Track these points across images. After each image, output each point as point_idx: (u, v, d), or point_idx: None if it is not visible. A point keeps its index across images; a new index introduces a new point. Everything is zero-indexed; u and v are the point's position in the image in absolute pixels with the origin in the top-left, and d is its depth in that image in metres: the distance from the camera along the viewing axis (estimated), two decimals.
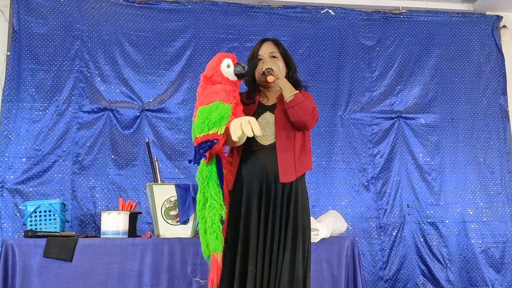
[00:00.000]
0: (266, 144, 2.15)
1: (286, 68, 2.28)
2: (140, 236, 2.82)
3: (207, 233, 1.97)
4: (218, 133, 1.95)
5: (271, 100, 2.26)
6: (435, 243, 3.58)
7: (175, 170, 3.44)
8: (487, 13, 4.01)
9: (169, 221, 2.74)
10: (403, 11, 3.92)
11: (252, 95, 2.25)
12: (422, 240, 3.59)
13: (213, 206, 1.97)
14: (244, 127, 1.86)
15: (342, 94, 3.74)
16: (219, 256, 1.98)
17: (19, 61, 3.35)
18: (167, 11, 3.66)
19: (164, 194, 2.75)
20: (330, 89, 3.73)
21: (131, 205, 2.93)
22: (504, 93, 3.90)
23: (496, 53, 3.94)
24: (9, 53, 3.36)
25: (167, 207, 2.74)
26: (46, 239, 2.50)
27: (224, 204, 1.99)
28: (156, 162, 2.99)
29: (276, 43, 2.31)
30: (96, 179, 3.33)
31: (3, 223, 3.14)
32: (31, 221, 2.77)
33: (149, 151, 3.07)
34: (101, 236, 2.67)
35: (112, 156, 3.39)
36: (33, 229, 2.69)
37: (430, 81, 3.84)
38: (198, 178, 2.07)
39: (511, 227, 3.67)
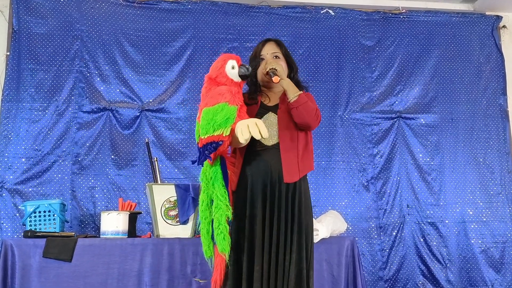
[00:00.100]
0: (270, 144, 2.15)
1: (288, 68, 2.28)
2: (139, 236, 2.81)
3: (214, 234, 1.96)
4: (224, 135, 1.95)
5: (273, 100, 2.26)
6: (435, 243, 3.58)
7: (174, 170, 3.44)
8: (487, 13, 4.01)
9: (169, 221, 2.73)
10: (403, 11, 3.92)
11: (254, 96, 2.25)
12: (422, 240, 3.59)
13: (219, 207, 1.97)
14: (251, 129, 1.86)
15: (342, 94, 3.74)
16: (226, 256, 1.98)
17: (19, 61, 3.35)
18: (167, 11, 3.66)
19: (163, 194, 2.74)
20: (330, 89, 3.73)
21: (131, 205, 2.93)
22: (504, 93, 3.90)
23: (496, 53, 3.95)
24: (8, 53, 3.36)
25: (166, 207, 2.74)
26: (45, 239, 2.50)
27: (230, 205, 1.99)
28: (155, 162, 2.99)
29: (279, 43, 2.31)
30: (96, 179, 3.32)
31: (2, 223, 3.13)
32: (30, 221, 2.77)
33: (149, 151, 3.06)
34: (101, 236, 2.67)
35: (112, 156, 3.38)
36: (33, 229, 2.69)
37: (430, 81, 3.84)
38: (202, 179, 2.07)
39: (510, 227, 3.68)
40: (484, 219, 3.67)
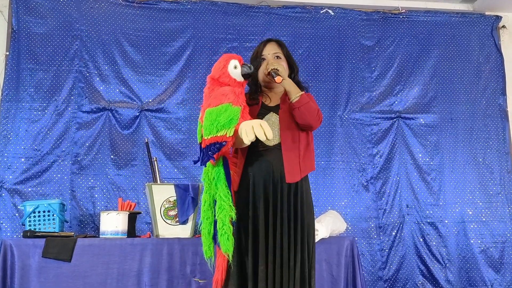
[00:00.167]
0: (271, 145, 2.15)
1: (289, 69, 2.28)
2: (139, 236, 2.81)
3: (218, 234, 1.96)
4: (227, 135, 1.95)
5: (273, 100, 2.26)
6: (434, 243, 3.58)
7: (174, 170, 3.44)
8: (487, 13, 4.02)
9: (168, 221, 2.73)
10: (402, 11, 3.93)
11: (255, 96, 2.25)
12: (421, 240, 3.59)
13: (223, 208, 1.96)
14: (256, 131, 1.85)
15: (342, 94, 3.74)
16: (230, 257, 1.98)
17: (18, 61, 3.34)
18: (167, 11, 3.65)
19: (163, 194, 2.74)
20: (329, 89, 3.73)
21: (130, 205, 2.93)
22: (503, 93, 3.90)
23: (495, 53, 3.95)
24: (8, 53, 3.36)
25: (166, 207, 2.74)
26: (45, 239, 2.49)
27: (233, 205, 1.99)
28: (155, 162, 2.99)
29: (280, 44, 2.31)
30: (95, 179, 3.32)
31: (2, 223, 3.13)
32: (30, 221, 2.77)
33: (148, 151, 3.06)
34: (100, 236, 2.67)
35: (111, 156, 3.38)
36: (32, 229, 2.69)
37: (429, 81, 3.84)
38: (204, 179, 2.06)
39: (510, 227, 3.68)
40: (484, 219, 3.67)
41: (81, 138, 3.35)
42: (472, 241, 3.62)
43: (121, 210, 2.84)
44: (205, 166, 2.06)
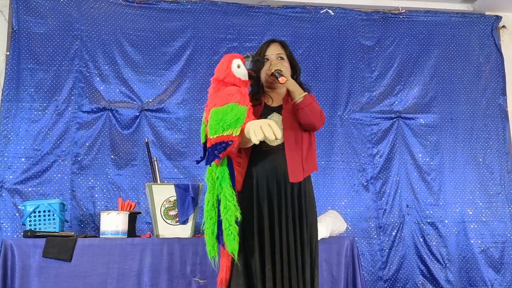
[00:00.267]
0: (275, 145, 2.15)
1: (291, 70, 2.28)
2: (139, 236, 2.82)
3: (224, 235, 1.94)
4: (234, 135, 1.94)
5: (276, 101, 2.27)
6: (434, 243, 3.58)
7: (174, 170, 3.44)
8: (487, 13, 4.02)
9: (169, 221, 2.74)
10: (402, 11, 3.93)
11: (257, 96, 2.25)
12: (421, 240, 3.59)
13: (228, 208, 1.95)
14: (265, 130, 1.84)
15: (342, 94, 3.74)
16: (235, 256, 1.97)
17: (19, 61, 3.35)
18: (167, 11, 3.66)
19: (163, 194, 2.75)
20: (329, 89, 3.73)
21: (131, 205, 2.94)
22: (503, 93, 3.90)
23: (495, 53, 3.95)
24: (8, 53, 3.36)
25: (166, 207, 2.74)
26: (45, 239, 2.50)
27: (238, 205, 1.99)
28: (155, 162, 2.99)
29: (283, 45, 2.32)
30: (96, 179, 3.32)
31: (2, 223, 3.13)
32: (30, 221, 2.77)
33: (149, 151, 3.07)
34: (100, 236, 2.67)
35: (112, 156, 3.38)
36: (32, 229, 2.69)
37: (429, 81, 3.84)
38: (207, 179, 2.05)
39: (510, 227, 3.68)
40: (484, 219, 3.67)
41: (81, 138, 3.35)
42: (472, 241, 3.62)
43: (121, 210, 2.84)
44: (210, 166, 2.06)
